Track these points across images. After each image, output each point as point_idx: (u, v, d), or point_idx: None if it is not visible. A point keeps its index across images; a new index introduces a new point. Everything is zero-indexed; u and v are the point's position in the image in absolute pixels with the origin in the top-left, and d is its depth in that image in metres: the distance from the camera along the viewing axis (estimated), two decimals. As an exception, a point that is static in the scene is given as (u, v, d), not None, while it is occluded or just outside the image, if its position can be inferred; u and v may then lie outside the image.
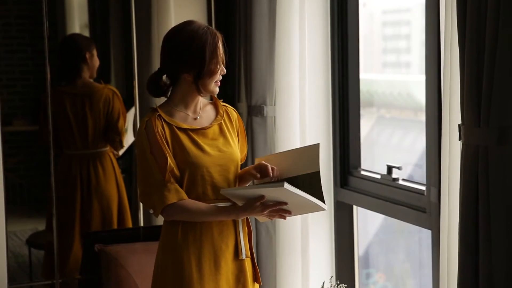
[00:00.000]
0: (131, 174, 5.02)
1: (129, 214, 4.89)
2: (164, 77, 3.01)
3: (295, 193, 2.77)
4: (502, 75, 2.58)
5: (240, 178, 3.08)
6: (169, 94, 3.03)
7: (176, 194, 2.89)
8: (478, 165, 2.68)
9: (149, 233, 4.11)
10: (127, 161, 5.03)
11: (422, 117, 4.93)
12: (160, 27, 4.80)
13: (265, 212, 2.87)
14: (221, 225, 2.97)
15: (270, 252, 4.12)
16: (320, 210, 2.93)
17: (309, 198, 2.82)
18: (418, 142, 4.96)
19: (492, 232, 2.65)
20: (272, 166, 2.98)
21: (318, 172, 2.89)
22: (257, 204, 2.84)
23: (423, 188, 3.60)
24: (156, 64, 4.80)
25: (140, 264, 3.82)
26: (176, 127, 2.94)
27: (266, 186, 2.82)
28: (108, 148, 4.85)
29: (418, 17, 4.77)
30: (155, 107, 2.98)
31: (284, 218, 2.95)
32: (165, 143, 2.90)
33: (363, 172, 4.13)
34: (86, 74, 4.78)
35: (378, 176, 3.97)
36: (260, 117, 4.14)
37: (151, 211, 2.95)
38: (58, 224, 4.71)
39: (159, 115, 2.93)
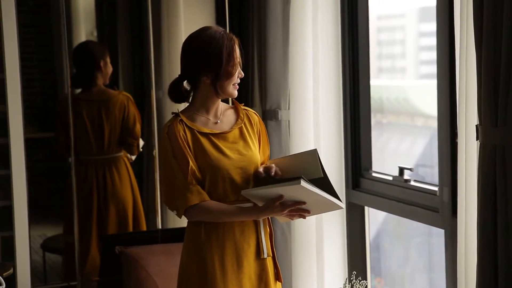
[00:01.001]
0: (142, 178, 5.04)
1: (143, 217, 4.90)
2: (185, 83, 3.03)
3: (311, 191, 2.79)
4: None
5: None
6: (190, 99, 3.06)
7: (198, 196, 2.91)
8: (495, 164, 2.70)
9: (167, 235, 4.12)
10: (139, 165, 5.04)
11: (419, 122, 4.95)
12: (171, 35, 4.82)
13: (285, 211, 2.89)
14: (242, 225, 2.99)
15: (286, 253, 4.13)
16: (338, 209, 2.94)
17: (325, 196, 2.84)
18: (415, 146, 4.98)
19: (511, 229, 2.67)
20: (276, 168, 2.98)
21: (324, 178, 2.90)
22: (276, 204, 2.87)
23: (435, 188, 3.62)
24: (166, 71, 4.82)
25: (159, 265, 3.84)
26: (197, 131, 2.96)
27: (284, 185, 2.83)
28: (122, 153, 4.86)
29: (413, 22, 4.80)
30: (177, 112, 3.00)
31: (304, 217, 2.97)
32: (187, 146, 2.93)
33: (374, 174, 4.14)
34: (100, 81, 4.79)
35: (390, 178, 3.99)
36: (275, 121, 4.15)
37: (175, 212, 2.97)
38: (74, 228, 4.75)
39: (181, 120, 2.96)
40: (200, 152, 2.94)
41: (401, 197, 3.86)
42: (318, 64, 4.06)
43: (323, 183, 2.89)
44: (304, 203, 2.88)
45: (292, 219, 3.01)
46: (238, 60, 2.98)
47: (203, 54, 2.94)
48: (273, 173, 2.97)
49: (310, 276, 4.08)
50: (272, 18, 4.10)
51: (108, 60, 4.81)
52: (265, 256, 3.03)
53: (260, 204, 2.94)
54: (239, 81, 3.00)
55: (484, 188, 2.74)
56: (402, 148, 5.07)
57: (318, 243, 4.10)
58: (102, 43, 4.97)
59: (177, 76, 3.05)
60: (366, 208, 4.24)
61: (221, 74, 2.94)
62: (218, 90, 2.97)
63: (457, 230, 3.12)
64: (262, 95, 4.18)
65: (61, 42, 4.97)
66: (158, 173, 4.76)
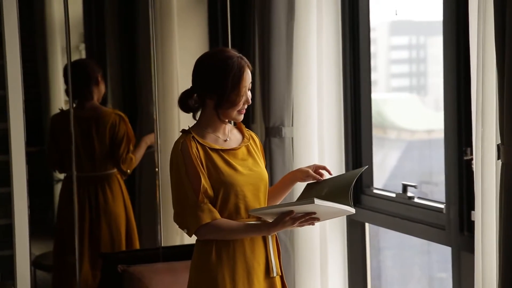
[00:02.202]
0: (135, 195, 4.98)
1: (136, 235, 4.84)
2: (195, 96, 2.99)
3: (326, 206, 2.77)
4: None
5: (287, 179, 3.12)
6: (198, 115, 3.03)
7: (210, 214, 2.87)
8: (519, 184, 2.70)
9: (169, 253, 4.06)
10: (132, 182, 4.99)
11: (392, 135, 4.97)
12: (164, 52, 4.78)
13: (295, 224, 2.86)
14: (252, 243, 2.96)
15: (289, 270, 4.08)
16: (349, 214, 2.90)
17: (337, 206, 2.80)
18: (388, 158, 5.00)
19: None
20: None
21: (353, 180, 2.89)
22: (286, 219, 2.83)
23: (441, 206, 3.62)
24: (160, 87, 4.77)
25: (163, 283, 3.77)
26: (208, 148, 2.93)
27: (297, 204, 2.80)
28: (115, 170, 4.80)
29: (384, 36, 4.82)
30: (187, 129, 2.97)
31: (313, 224, 2.93)
32: (200, 164, 2.89)
33: (375, 191, 4.13)
34: (95, 97, 4.74)
35: (392, 195, 3.98)
36: (278, 138, 4.11)
37: (185, 231, 2.93)
38: (66, 245, 4.67)
39: (193, 137, 2.93)
40: (213, 169, 2.91)
41: (404, 214, 3.85)
42: (323, 80, 4.04)
43: (346, 183, 2.88)
44: (314, 213, 2.85)
45: (300, 226, 2.97)
46: (246, 89, 2.93)
47: (209, 76, 2.92)
48: (322, 178, 3.03)
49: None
50: (276, 34, 4.06)
51: (102, 78, 4.77)
52: (275, 274, 2.99)
53: (269, 220, 2.91)
54: (245, 107, 2.96)
55: (508, 208, 2.72)
56: (376, 161, 5.10)
57: (322, 260, 4.07)
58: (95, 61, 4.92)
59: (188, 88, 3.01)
60: (366, 224, 4.23)
61: (224, 101, 2.91)
62: (219, 115, 2.95)
63: (474, 250, 3.12)
64: (266, 112, 4.14)
65: (46, 56, 4.94)
66: (161, 190, 4.71)
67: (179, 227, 2.96)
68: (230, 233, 2.90)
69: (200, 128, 2.97)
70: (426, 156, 5.17)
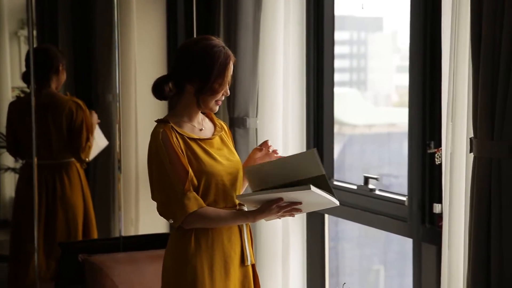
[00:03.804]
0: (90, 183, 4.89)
1: (94, 225, 4.73)
2: (171, 84, 2.90)
3: (319, 194, 2.70)
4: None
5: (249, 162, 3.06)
6: (172, 103, 2.95)
7: (196, 202, 2.80)
8: (491, 177, 2.66)
9: (129, 243, 3.96)
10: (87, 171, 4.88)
11: (334, 128, 4.98)
12: (122, 39, 4.70)
13: (280, 213, 2.82)
14: (229, 232, 2.90)
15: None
16: (333, 206, 2.84)
17: (329, 198, 2.75)
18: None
19: (504, 244, 2.62)
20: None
21: (324, 175, 2.81)
22: (273, 206, 2.78)
23: (403, 198, 3.59)
24: (115, 75, 4.67)
25: (125, 273, 3.68)
26: (187, 137, 2.86)
27: (290, 190, 2.72)
28: (74, 159, 4.68)
29: None
30: (164, 118, 2.88)
31: (293, 216, 2.89)
32: (181, 153, 2.82)
33: (336, 183, 4.09)
34: (53, 85, 4.61)
35: (354, 187, 3.94)
36: (243, 129, 4.04)
37: (170, 221, 2.85)
38: (23, 234, 4.56)
39: (172, 126, 2.84)
40: (194, 159, 2.84)
41: (366, 206, 3.81)
42: (289, 73, 3.98)
43: (321, 179, 2.78)
44: (300, 203, 2.79)
45: (279, 218, 2.91)
46: (228, 79, 2.88)
47: (194, 63, 2.84)
48: (269, 151, 3.01)
49: (275, 282, 4.01)
50: (242, 24, 3.97)
51: (64, 67, 4.64)
52: (249, 263, 2.96)
53: (253, 207, 2.86)
54: (223, 98, 2.91)
55: (478, 201, 2.68)
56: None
57: (284, 250, 4.03)
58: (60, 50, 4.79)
59: (165, 74, 2.92)
60: (326, 216, 4.19)
61: (206, 88, 2.84)
62: (200, 103, 2.87)
63: (440, 242, 3.10)
64: (230, 102, 4.06)
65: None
66: (122, 180, 4.61)
67: (164, 217, 2.87)
68: (216, 220, 2.85)
69: (177, 117, 2.89)
70: (367, 150, 5.18)
